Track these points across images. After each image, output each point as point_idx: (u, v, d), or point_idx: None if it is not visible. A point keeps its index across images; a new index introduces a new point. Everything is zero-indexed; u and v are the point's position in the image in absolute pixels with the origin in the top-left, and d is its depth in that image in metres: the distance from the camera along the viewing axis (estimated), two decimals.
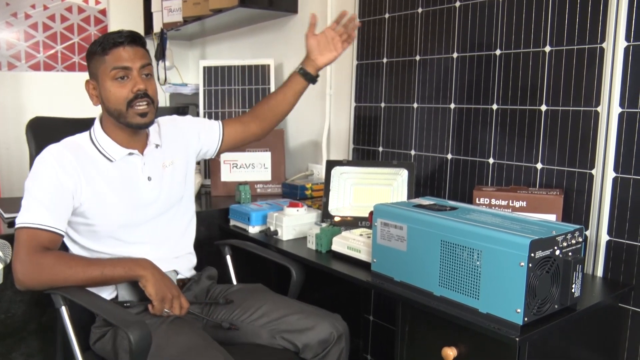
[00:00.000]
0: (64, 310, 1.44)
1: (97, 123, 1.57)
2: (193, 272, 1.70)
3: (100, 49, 1.46)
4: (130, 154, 1.55)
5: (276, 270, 1.93)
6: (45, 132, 1.60)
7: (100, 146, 1.53)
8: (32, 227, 1.40)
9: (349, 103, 2.32)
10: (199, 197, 2.39)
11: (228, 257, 1.88)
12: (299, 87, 1.89)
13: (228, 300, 1.62)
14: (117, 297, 1.53)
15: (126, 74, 1.47)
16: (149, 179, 1.58)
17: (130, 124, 1.50)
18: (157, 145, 1.62)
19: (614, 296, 1.41)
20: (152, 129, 1.62)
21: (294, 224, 1.84)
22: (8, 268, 1.44)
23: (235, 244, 1.86)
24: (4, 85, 3.28)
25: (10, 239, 1.73)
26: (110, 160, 1.53)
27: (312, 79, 1.88)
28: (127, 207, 1.54)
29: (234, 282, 1.85)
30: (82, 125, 1.67)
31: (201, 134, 1.78)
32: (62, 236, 1.46)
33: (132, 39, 1.47)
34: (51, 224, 1.42)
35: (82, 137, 1.55)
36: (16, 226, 1.42)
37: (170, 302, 1.44)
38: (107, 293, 1.53)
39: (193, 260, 1.71)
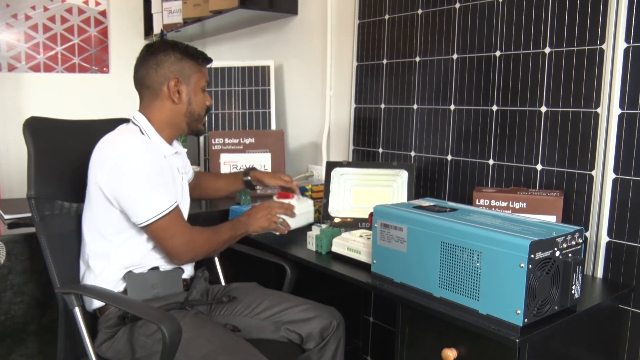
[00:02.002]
0: (77, 311, 1.46)
1: (143, 120, 1.60)
2: (193, 272, 1.73)
3: (200, 59, 1.64)
4: (175, 152, 1.66)
5: (265, 269, 1.94)
6: (44, 132, 1.59)
7: (154, 142, 1.59)
8: (171, 210, 1.50)
9: (349, 104, 2.32)
10: None
11: (216, 259, 1.91)
12: (235, 189, 2.05)
13: (231, 298, 1.68)
14: (125, 291, 1.56)
15: (205, 89, 1.68)
16: (182, 178, 1.69)
17: (197, 129, 1.69)
18: (180, 152, 1.73)
19: (614, 297, 1.41)
20: None
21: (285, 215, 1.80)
22: (7, 269, 1.44)
23: None
24: (4, 86, 3.28)
25: (10, 239, 1.73)
26: (164, 157, 1.60)
27: (251, 186, 2.02)
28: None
29: (223, 283, 1.88)
30: (80, 126, 1.67)
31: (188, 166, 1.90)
32: None
33: (209, 62, 1.69)
34: (173, 200, 1.53)
35: (133, 130, 1.58)
36: (155, 218, 1.48)
37: (276, 212, 1.70)
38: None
39: None
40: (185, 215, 1.71)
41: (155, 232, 1.50)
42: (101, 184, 1.48)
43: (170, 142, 1.65)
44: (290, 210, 1.73)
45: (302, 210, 1.81)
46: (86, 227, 1.56)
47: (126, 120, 1.65)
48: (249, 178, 1.98)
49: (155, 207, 1.47)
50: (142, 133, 1.58)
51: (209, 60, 1.68)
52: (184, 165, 1.75)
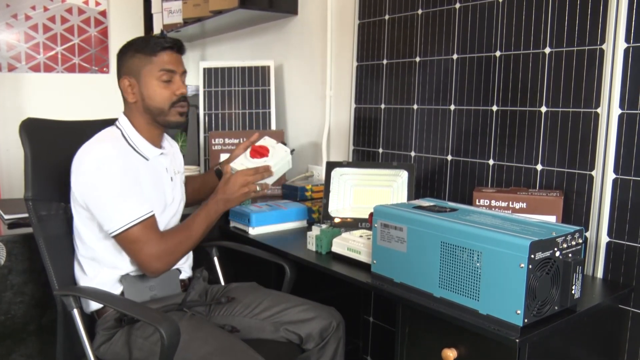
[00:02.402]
0: (76, 312, 1.46)
1: (125, 122, 1.59)
2: (191, 272, 1.73)
3: (149, 50, 1.55)
4: (161, 153, 1.62)
5: (263, 269, 1.94)
6: (40, 133, 1.58)
7: (135, 144, 1.57)
8: (141, 220, 1.45)
9: (349, 104, 2.32)
10: None
11: (215, 259, 1.90)
12: (210, 184, 1.91)
13: (230, 298, 1.67)
14: (122, 294, 1.55)
15: (171, 77, 1.57)
16: (171, 179, 1.66)
17: (169, 122, 1.60)
18: (171, 151, 1.70)
19: (614, 297, 1.41)
20: (164, 136, 1.71)
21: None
22: (7, 269, 1.45)
23: (224, 245, 1.88)
24: (4, 86, 3.28)
25: (10, 239, 1.73)
26: (146, 159, 1.57)
27: (220, 174, 1.88)
28: (160, 206, 1.58)
29: (222, 283, 1.87)
30: (77, 127, 1.66)
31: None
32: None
33: (179, 46, 1.59)
34: (149, 209, 1.49)
35: (114, 134, 1.57)
36: (123, 228, 1.44)
37: (252, 180, 1.63)
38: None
39: (192, 258, 1.75)
40: (179, 215, 1.71)
41: (124, 242, 1.46)
42: (75, 191, 1.48)
43: (156, 142, 1.62)
44: (267, 172, 1.67)
45: (279, 162, 1.73)
46: (75, 232, 1.56)
47: (115, 120, 1.63)
48: (218, 167, 1.93)
49: (124, 217, 1.44)
50: (124, 136, 1.56)
51: (169, 47, 1.56)
52: (174, 164, 1.72)
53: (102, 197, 1.44)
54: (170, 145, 1.73)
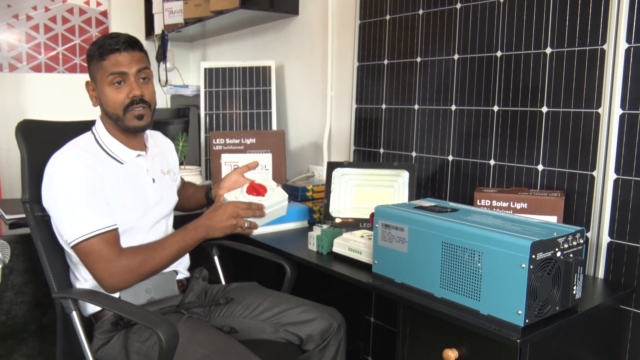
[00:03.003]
0: (74, 315, 1.45)
1: (100, 126, 1.56)
2: (188, 273, 1.72)
3: (98, 54, 1.48)
4: (138, 155, 1.58)
5: (263, 269, 1.95)
6: (36, 135, 1.57)
7: (109, 149, 1.54)
8: (98, 233, 1.40)
9: (349, 104, 2.32)
10: None
11: (216, 258, 1.90)
12: (201, 199, 1.88)
13: (229, 299, 1.65)
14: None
15: (123, 79, 1.49)
16: (153, 180, 1.61)
17: (128, 127, 1.52)
18: (154, 151, 1.65)
19: (615, 298, 1.40)
20: (149, 135, 1.67)
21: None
22: (8, 269, 1.45)
23: (224, 244, 1.88)
24: (5, 86, 3.28)
25: (11, 239, 1.73)
26: (121, 163, 1.54)
27: (211, 202, 1.84)
28: (139, 209, 1.55)
29: (223, 282, 1.87)
30: (73, 127, 1.64)
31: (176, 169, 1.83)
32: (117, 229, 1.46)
33: (128, 44, 1.49)
34: (110, 222, 1.43)
35: (86, 140, 1.54)
36: (78, 240, 1.39)
37: (243, 215, 1.54)
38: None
39: (187, 259, 1.73)
40: (171, 216, 1.69)
41: (79, 254, 1.42)
42: (42, 199, 1.46)
43: (133, 145, 1.57)
44: (259, 211, 1.59)
45: (274, 205, 1.67)
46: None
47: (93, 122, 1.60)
48: (211, 186, 1.86)
49: (81, 228, 1.39)
50: (97, 141, 1.53)
51: (117, 49, 1.47)
52: (160, 164, 1.67)
53: (60, 208, 1.42)
54: (156, 145, 1.67)
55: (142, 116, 1.52)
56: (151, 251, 1.47)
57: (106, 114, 1.53)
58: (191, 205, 1.91)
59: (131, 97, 1.49)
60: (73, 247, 1.41)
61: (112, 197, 1.48)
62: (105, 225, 1.42)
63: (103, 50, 1.47)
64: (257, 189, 1.65)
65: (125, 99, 1.49)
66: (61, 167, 1.43)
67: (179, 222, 1.70)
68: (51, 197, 1.43)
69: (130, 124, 1.51)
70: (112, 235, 1.43)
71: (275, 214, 1.69)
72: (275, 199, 1.66)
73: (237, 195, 1.65)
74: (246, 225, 1.57)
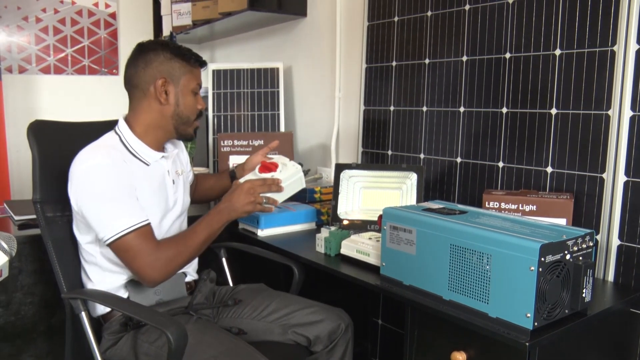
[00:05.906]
0: (83, 315, 1.46)
1: (124, 127, 1.57)
2: (196, 275, 1.73)
3: (192, 60, 1.59)
4: (162, 157, 1.60)
5: (271, 270, 1.95)
6: (48, 135, 1.58)
7: (135, 150, 1.55)
8: (135, 228, 1.42)
9: (358, 106, 2.32)
10: None
11: (224, 260, 1.91)
12: (224, 184, 1.94)
13: (237, 301, 1.66)
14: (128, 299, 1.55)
15: (197, 91, 1.63)
16: (173, 182, 1.64)
17: (188, 133, 1.64)
18: (173, 153, 1.68)
19: (625, 301, 1.39)
20: None
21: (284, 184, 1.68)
22: (17, 269, 1.45)
23: (232, 246, 1.88)
24: (14, 88, 3.30)
25: (21, 240, 1.74)
26: (147, 164, 1.56)
27: (235, 176, 1.91)
28: (161, 210, 1.58)
29: (230, 284, 1.87)
30: (85, 128, 1.66)
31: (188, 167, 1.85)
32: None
33: (205, 65, 1.66)
34: (144, 217, 1.46)
35: (112, 140, 1.55)
36: (116, 237, 1.41)
37: (259, 190, 1.60)
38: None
39: (196, 262, 1.74)
40: (184, 217, 1.70)
41: (118, 250, 1.44)
42: (71, 198, 1.47)
43: (157, 147, 1.60)
44: (275, 185, 1.64)
45: (290, 178, 1.69)
46: (75, 237, 1.56)
47: (116, 122, 1.61)
48: (233, 170, 1.93)
49: (118, 225, 1.41)
50: (123, 142, 1.54)
51: (203, 63, 1.64)
52: (177, 166, 1.70)
53: (95, 205, 1.43)
54: (174, 147, 1.71)
55: (197, 128, 1.67)
56: (185, 240, 1.52)
57: (177, 115, 1.58)
58: (216, 194, 1.95)
59: (200, 109, 1.63)
60: (110, 244, 1.43)
61: (140, 196, 1.50)
62: (140, 220, 1.44)
63: (196, 60, 1.60)
64: (268, 167, 1.69)
65: (197, 109, 1.62)
66: (93, 165, 1.44)
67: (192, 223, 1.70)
68: (84, 195, 1.44)
69: (191, 130, 1.64)
70: (148, 230, 1.46)
71: (292, 187, 1.71)
72: (289, 172, 1.69)
73: (250, 178, 1.69)
74: (264, 201, 1.62)
